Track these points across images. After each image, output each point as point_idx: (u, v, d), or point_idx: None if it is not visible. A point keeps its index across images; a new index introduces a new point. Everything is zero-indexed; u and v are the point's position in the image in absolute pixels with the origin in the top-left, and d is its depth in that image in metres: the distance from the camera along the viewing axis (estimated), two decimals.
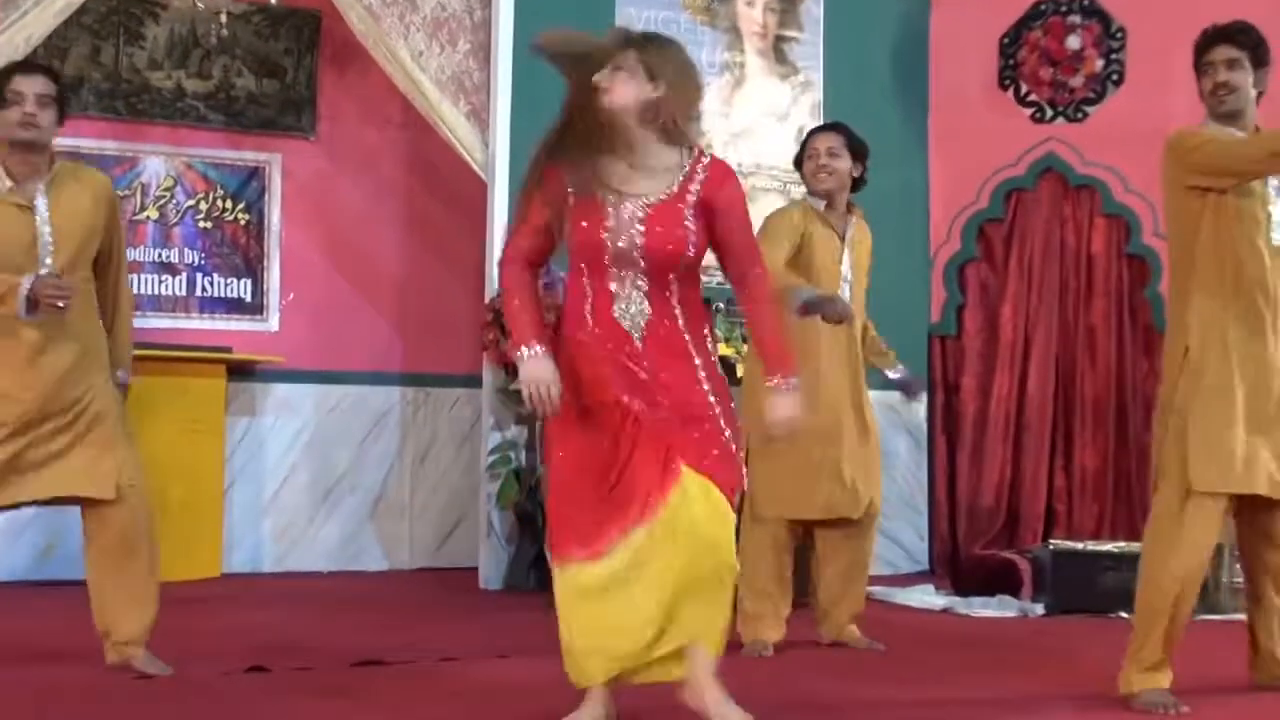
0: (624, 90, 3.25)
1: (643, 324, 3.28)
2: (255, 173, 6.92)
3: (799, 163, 4.86)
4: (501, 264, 3.42)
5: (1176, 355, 3.93)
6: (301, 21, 6.94)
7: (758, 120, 7.19)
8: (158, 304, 6.70)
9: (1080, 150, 7.19)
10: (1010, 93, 7.38)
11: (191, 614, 5.20)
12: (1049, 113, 7.29)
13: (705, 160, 3.33)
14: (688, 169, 3.30)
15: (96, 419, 4.07)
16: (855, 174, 4.82)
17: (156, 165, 6.76)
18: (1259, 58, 4.00)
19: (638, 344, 3.28)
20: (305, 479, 6.94)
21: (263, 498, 6.86)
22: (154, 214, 6.74)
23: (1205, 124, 4.00)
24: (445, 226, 7.16)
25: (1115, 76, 7.17)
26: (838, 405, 4.77)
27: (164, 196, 6.75)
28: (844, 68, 7.36)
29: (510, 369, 6.13)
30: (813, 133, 4.93)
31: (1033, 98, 7.33)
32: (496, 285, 6.26)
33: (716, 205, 3.30)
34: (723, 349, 6.06)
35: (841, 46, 7.36)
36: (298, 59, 6.96)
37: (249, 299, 6.90)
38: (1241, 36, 3.99)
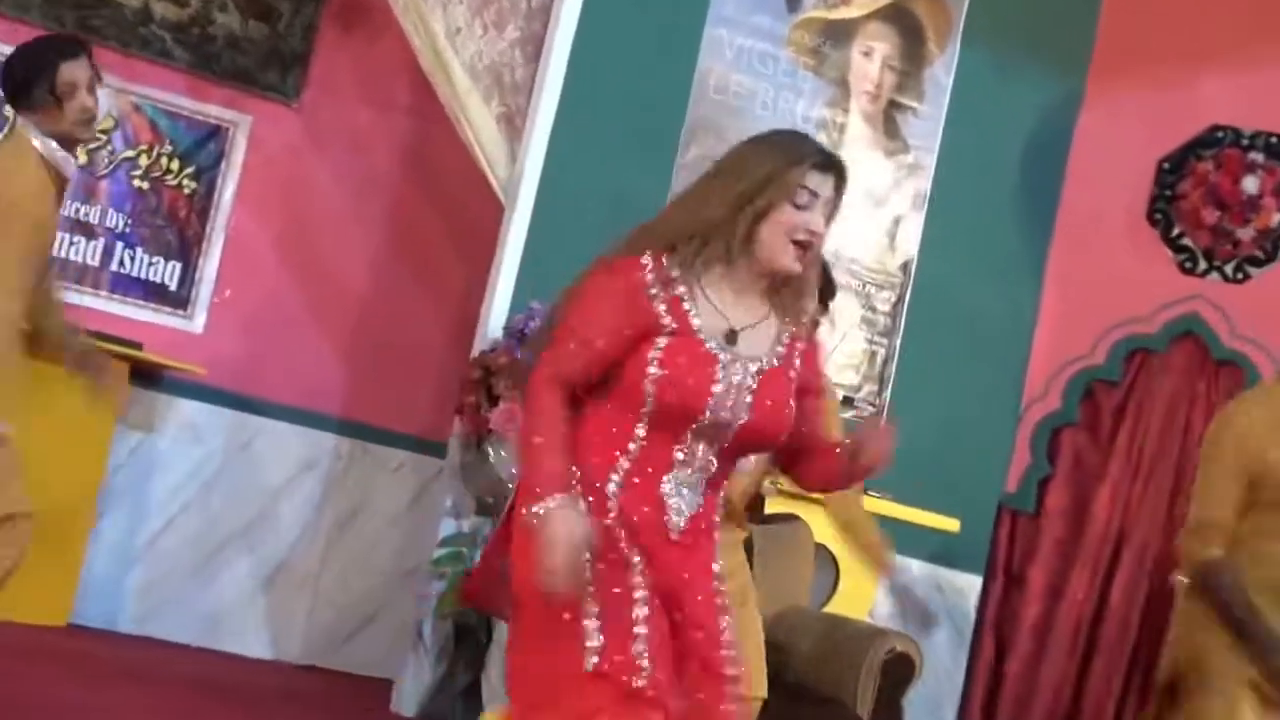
0: (824, 236, 3.25)
1: (687, 515, 3.19)
2: (216, 133, 6.91)
3: None
4: (537, 384, 3.15)
5: None
6: None
7: (848, 199, 6.94)
8: (62, 270, 6.58)
9: (1232, 318, 7.10)
10: (1159, 230, 7.29)
11: (9, 673, 5.14)
12: (1202, 264, 7.21)
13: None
14: (788, 338, 3.28)
15: None
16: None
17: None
18: None
19: (671, 536, 3.17)
20: (195, 525, 6.87)
21: (137, 539, 6.79)
22: (81, 158, 6.52)
23: None
24: (438, 247, 7.14)
25: None
26: None
27: (97, 140, 6.69)
28: (964, 155, 7.27)
29: (479, 443, 6.03)
30: None
31: (1186, 242, 7.24)
32: (489, 337, 6.18)
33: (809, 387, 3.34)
34: None
35: (966, 129, 7.27)
36: (298, 3, 6.97)
37: (174, 287, 6.88)
38: None
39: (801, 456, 3.34)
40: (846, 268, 6.98)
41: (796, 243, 3.13)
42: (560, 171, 6.33)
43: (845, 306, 6.80)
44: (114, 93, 6.68)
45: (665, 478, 3.14)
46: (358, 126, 7.08)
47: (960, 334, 7.12)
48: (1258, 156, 7.18)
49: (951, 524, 6.79)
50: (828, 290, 4.75)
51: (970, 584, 7.23)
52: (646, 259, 3.11)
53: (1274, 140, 7.17)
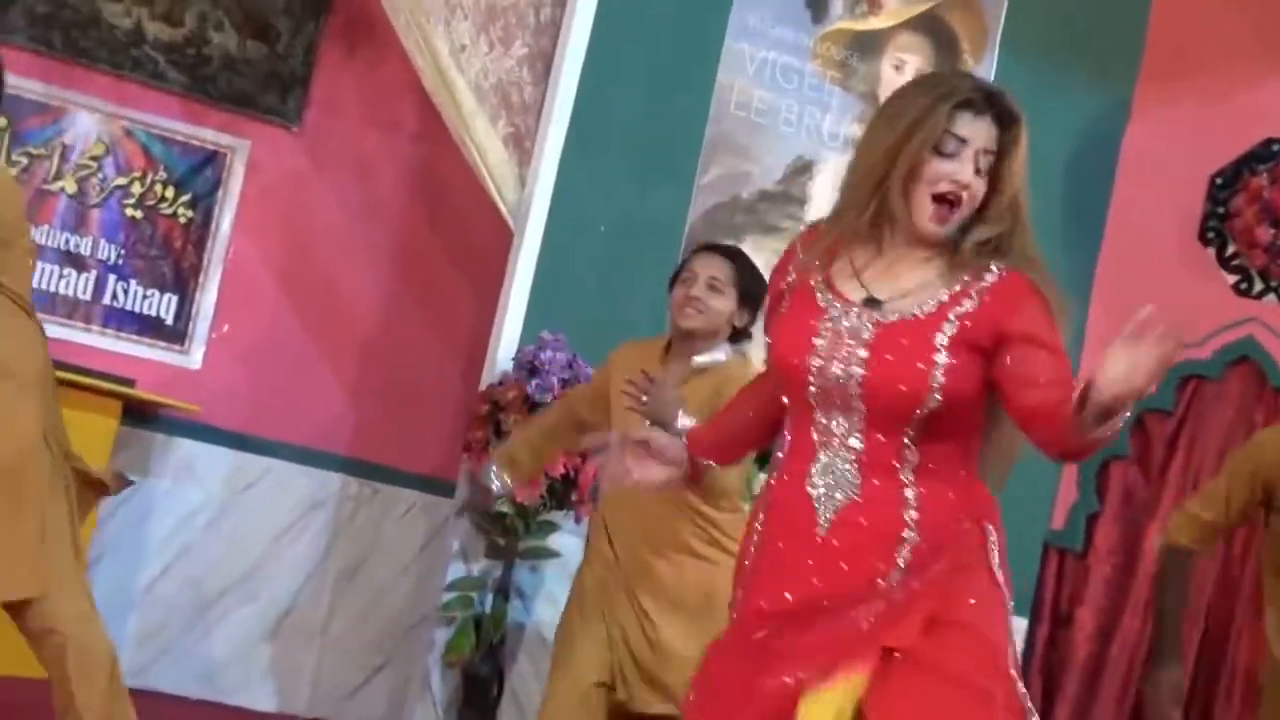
0: (976, 189, 3.15)
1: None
2: (212, 159, 6.87)
3: (671, 282, 4.86)
4: None
5: None
6: None
7: None
8: (51, 305, 6.60)
9: None
10: (1213, 250, 7.17)
11: None
12: (1258, 285, 7.08)
13: None
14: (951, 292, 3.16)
15: None
16: (738, 322, 4.80)
17: (87, 124, 6.71)
18: None
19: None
20: (194, 571, 6.81)
21: (134, 585, 6.72)
22: (70, 186, 6.68)
23: None
24: (446, 275, 7.08)
25: None
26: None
27: (88, 167, 6.69)
28: None
29: (478, 485, 5.94)
30: (697, 251, 4.94)
31: (1240, 262, 7.12)
32: (498, 370, 6.14)
33: None
34: None
35: None
36: (297, 23, 6.90)
37: (170, 321, 6.83)
38: None
39: (1035, 419, 2.92)
40: None
41: (938, 198, 2.98)
42: (572, 195, 6.26)
43: None
44: (105, 118, 6.67)
45: (810, 467, 3.02)
46: (361, 150, 7.04)
47: None
48: None
49: None
50: (753, 293, 4.75)
51: (1017, 626, 7.07)
52: (805, 231, 3.15)
53: None
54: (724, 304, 4.73)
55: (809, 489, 2.99)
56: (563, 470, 5.85)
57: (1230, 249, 7.15)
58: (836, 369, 2.95)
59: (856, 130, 6.91)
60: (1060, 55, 7.15)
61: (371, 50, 6.88)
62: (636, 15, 6.39)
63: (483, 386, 6.19)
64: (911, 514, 2.95)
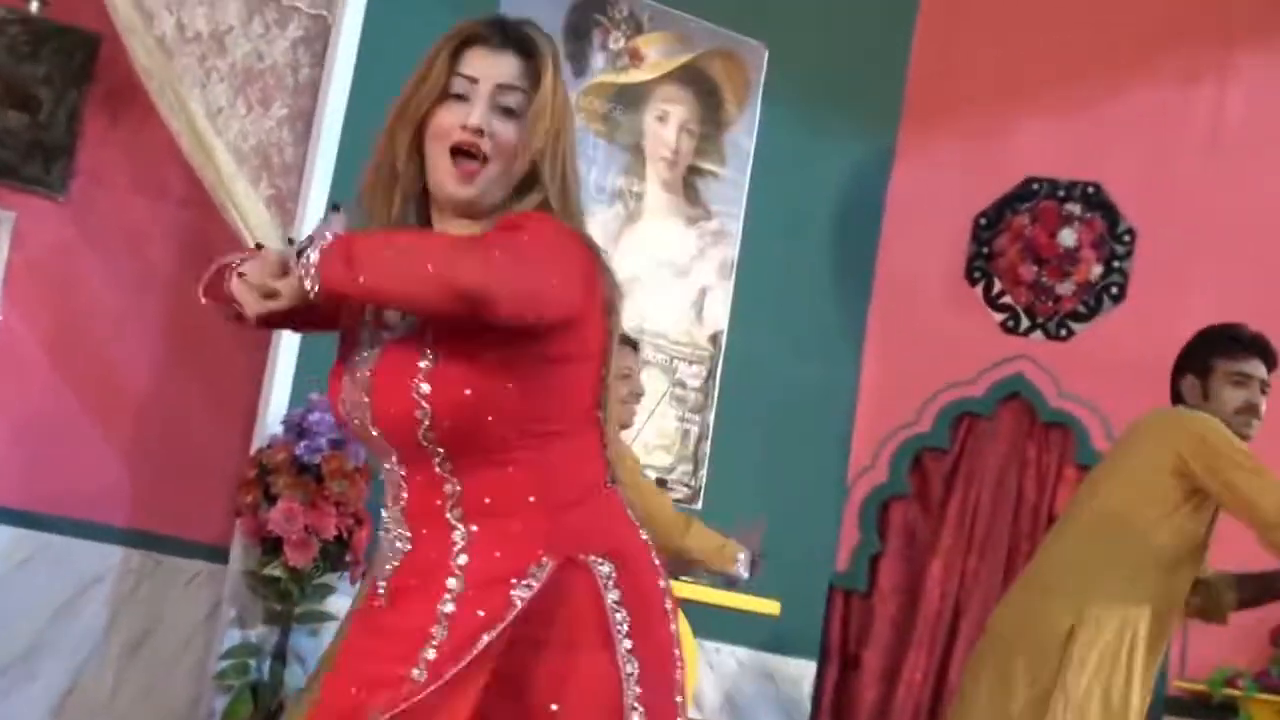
0: (501, 135, 2.60)
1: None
2: None
3: None
4: None
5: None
6: (73, 44, 6.70)
7: (650, 270, 7.05)
8: None
9: (1058, 377, 7.14)
10: (979, 289, 7.33)
11: None
12: (1025, 322, 7.24)
13: None
14: None
15: None
16: None
17: None
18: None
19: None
20: None
21: None
22: None
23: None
24: (217, 341, 6.78)
25: (1115, 290, 7.15)
26: None
27: None
28: (771, 220, 7.26)
29: (263, 544, 5.94)
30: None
31: (1006, 300, 7.29)
32: (268, 432, 6.05)
33: None
34: None
35: (772, 193, 7.27)
36: (60, 91, 6.71)
37: None
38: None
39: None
40: (652, 342, 6.93)
41: (455, 151, 2.51)
42: None
43: (653, 383, 6.73)
44: None
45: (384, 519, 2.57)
46: (130, 219, 6.88)
47: (778, 407, 7.10)
48: (1074, 208, 7.24)
49: (772, 607, 6.68)
50: None
51: (804, 670, 7.16)
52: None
53: (1090, 190, 7.23)
54: None
55: (383, 543, 2.57)
56: (335, 532, 5.85)
57: (997, 287, 7.31)
58: (350, 404, 2.55)
59: (621, 182, 6.99)
60: (823, 104, 7.26)
61: (136, 117, 6.71)
62: (397, 72, 6.19)
63: (253, 450, 6.15)
64: (459, 560, 2.44)
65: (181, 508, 6.84)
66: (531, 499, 2.43)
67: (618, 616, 2.41)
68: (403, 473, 2.49)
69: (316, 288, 2.32)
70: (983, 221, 7.36)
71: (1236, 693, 6.52)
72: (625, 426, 4.91)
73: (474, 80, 2.52)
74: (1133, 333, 6.97)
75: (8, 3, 6.58)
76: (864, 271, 7.45)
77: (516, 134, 2.50)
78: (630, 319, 6.81)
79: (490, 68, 2.52)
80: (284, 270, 2.38)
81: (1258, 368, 4.62)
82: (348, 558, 5.95)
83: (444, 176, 2.51)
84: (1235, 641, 6.30)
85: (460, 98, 2.52)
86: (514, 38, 2.55)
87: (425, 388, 2.40)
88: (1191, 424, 4.63)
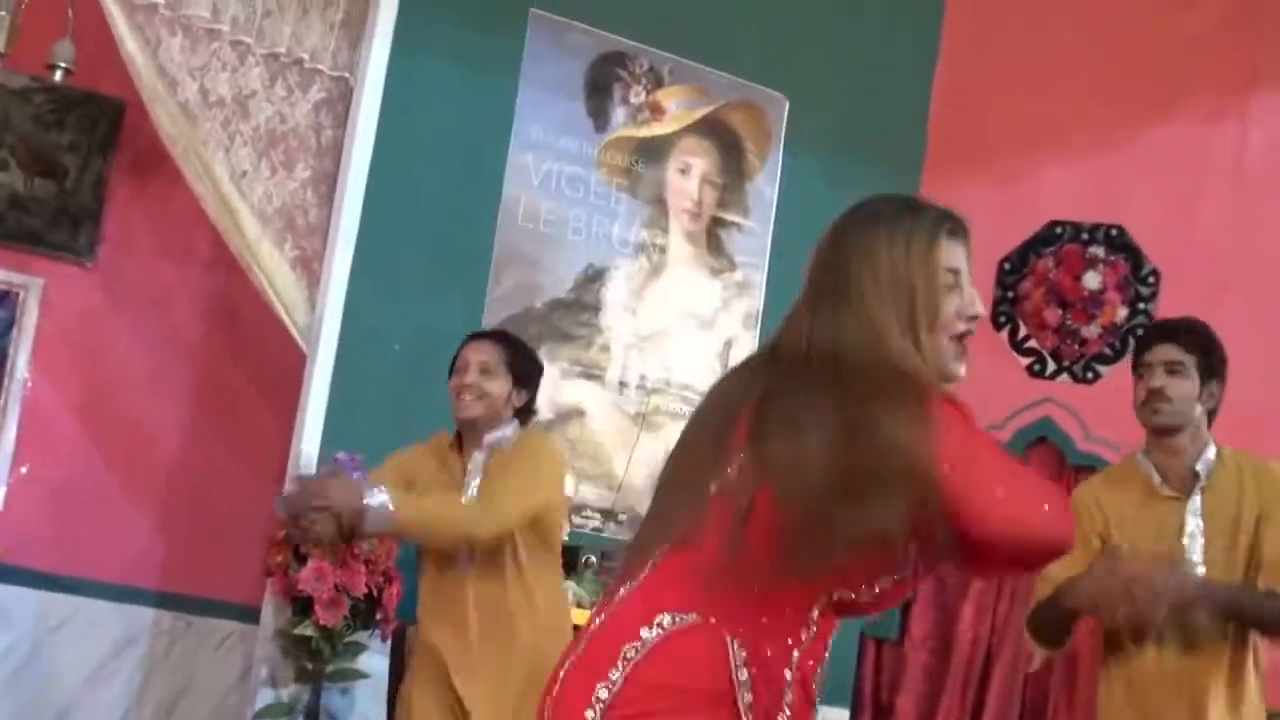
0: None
1: None
2: (4, 298, 6.76)
3: (449, 377, 5.01)
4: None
5: None
6: (98, 111, 6.82)
7: (675, 322, 7.06)
8: None
9: (1085, 421, 7.10)
10: (1005, 333, 7.32)
11: None
12: (1051, 366, 7.22)
13: None
14: None
15: None
16: (517, 402, 4.96)
17: None
18: (1209, 366, 4.38)
19: None
20: (5, 716, 6.61)
21: None
22: None
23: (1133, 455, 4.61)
24: (247, 402, 7.01)
25: (1141, 331, 7.07)
26: None
27: None
28: (795, 270, 6.96)
29: (294, 603, 5.94)
30: (466, 340, 5.09)
31: (1032, 344, 7.27)
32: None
33: None
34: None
35: (796, 243, 7.15)
36: (85, 158, 6.83)
37: None
38: (1189, 336, 4.37)
39: None
40: (678, 394, 6.93)
41: (959, 337, 2.67)
42: (363, 314, 6.27)
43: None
44: None
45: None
46: (157, 283, 6.97)
47: None
48: (1098, 250, 7.21)
49: None
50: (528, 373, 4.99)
51: (838, 718, 7.12)
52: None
53: (1114, 232, 7.20)
54: (499, 386, 4.88)
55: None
56: (365, 590, 5.85)
57: (1022, 332, 7.29)
58: None
59: (645, 235, 6.99)
60: (844, 153, 7.25)
61: (161, 182, 6.80)
62: (419, 132, 6.41)
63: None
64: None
65: (212, 569, 6.92)
66: None
67: None
68: None
69: None
70: (1007, 266, 7.35)
71: None
72: None
73: (957, 271, 2.67)
74: None
75: (33, 72, 6.65)
76: None
77: None
78: (655, 371, 6.86)
79: (963, 257, 2.73)
80: None
81: (1157, 352, 4.38)
82: (378, 615, 5.95)
83: (951, 361, 2.72)
84: None
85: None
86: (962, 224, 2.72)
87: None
88: None
